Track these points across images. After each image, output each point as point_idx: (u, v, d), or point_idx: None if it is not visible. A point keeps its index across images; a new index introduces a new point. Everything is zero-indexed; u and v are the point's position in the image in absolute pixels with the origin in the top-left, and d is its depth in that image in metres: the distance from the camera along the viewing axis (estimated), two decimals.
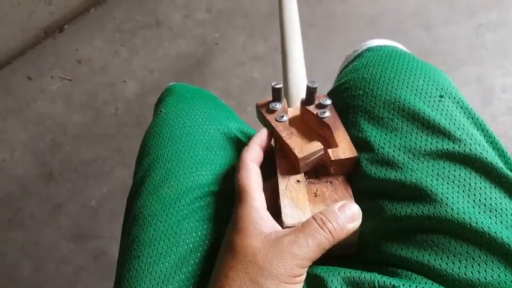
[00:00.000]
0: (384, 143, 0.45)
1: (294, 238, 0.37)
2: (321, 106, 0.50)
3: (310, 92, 0.50)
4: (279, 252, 0.37)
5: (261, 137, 0.50)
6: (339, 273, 0.40)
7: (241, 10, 1.60)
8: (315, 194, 0.44)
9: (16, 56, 1.56)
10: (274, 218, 0.42)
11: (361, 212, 0.41)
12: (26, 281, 1.18)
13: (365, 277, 0.39)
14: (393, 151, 0.44)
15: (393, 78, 0.49)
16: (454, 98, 0.47)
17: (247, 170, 0.45)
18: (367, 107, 0.48)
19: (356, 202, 0.43)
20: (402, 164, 0.43)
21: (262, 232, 0.38)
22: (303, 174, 0.46)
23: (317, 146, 0.45)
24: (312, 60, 1.43)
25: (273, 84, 0.50)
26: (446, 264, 0.38)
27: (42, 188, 1.31)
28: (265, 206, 0.42)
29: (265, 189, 0.45)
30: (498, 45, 1.39)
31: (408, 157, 0.43)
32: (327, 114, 0.49)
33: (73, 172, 1.33)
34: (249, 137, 0.58)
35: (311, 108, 0.51)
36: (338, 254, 0.44)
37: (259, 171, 0.46)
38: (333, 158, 0.44)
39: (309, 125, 0.52)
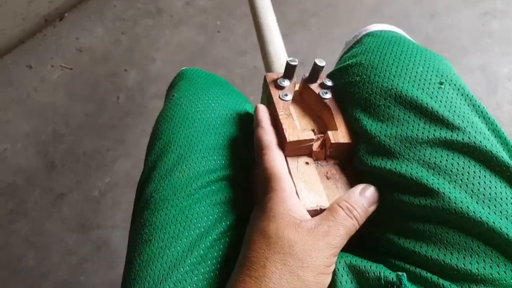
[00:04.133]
0: (380, 132, 0.44)
1: (328, 228, 0.38)
2: (323, 86, 0.49)
3: (317, 70, 0.48)
4: (315, 243, 0.37)
5: (266, 113, 0.49)
6: (344, 261, 0.40)
7: None
8: (327, 176, 0.44)
9: (16, 45, 1.55)
10: None
11: (377, 193, 0.42)
12: (30, 272, 1.18)
13: (370, 266, 0.39)
14: (389, 140, 0.43)
15: (391, 65, 0.48)
16: (455, 85, 0.46)
17: (273, 153, 0.44)
18: (363, 94, 0.47)
19: None
20: (399, 153, 0.42)
21: (296, 221, 0.38)
22: (311, 156, 0.46)
23: (309, 135, 0.44)
24: (315, 50, 1.42)
25: (288, 59, 0.49)
26: (444, 255, 0.38)
27: (44, 178, 1.31)
28: (295, 191, 0.42)
29: None
30: (504, 34, 1.38)
31: (405, 146, 0.42)
32: (329, 95, 0.49)
33: (76, 162, 1.32)
34: None
35: (313, 86, 0.50)
36: None
37: (282, 152, 0.45)
38: (332, 141, 0.44)
39: (307, 103, 0.51)
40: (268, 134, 0.46)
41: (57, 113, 1.42)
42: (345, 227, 0.38)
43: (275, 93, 0.49)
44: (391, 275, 0.37)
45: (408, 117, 0.44)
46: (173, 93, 0.58)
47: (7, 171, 1.33)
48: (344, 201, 0.40)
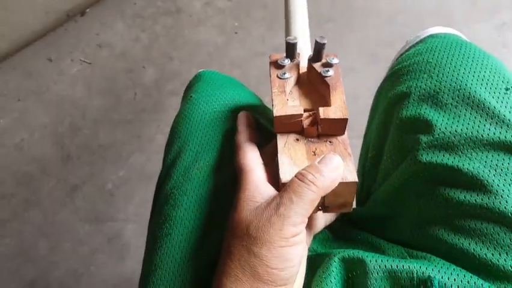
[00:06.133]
0: (445, 128, 0.45)
1: (279, 199, 0.38)
2: (326, 65, 0.48)
3: (318, 48, 0.47)
4: (267, 217, 0.37)
5: (244, 118, 0.50)
6: (381, 260, 0.41)
7: (261, 0, 1.60)
8: (314, 152, 0.43)
9: (38, 38, 1.58)
10: (276, 183, 0.42)
11: (342, 160, 0.40)
12: (41, 260, 1.20)
13: (403, 266, 0.40)
14: (454, 137, 0.44)
15: (460, 65, 0.49)
16: None
17: (242, 150, 0.45)
18: (431, 91, 0.48)
19: (406, 185, 0.44)
20: (462, 151, 0.43)
21: (255, 205, 0.39)
22: (302, 132, 0.45)
23: (297, 110, 0.44)
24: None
25: (287, 38, 0.48)
26: (492, 255, 0.39)
27: (60, 169, 1.33)
28: (265, 178, 0.42)
29: (268, 152, 0.46)
30: None
31: (469, 145, 0.43)
32: (331, 73, 0.47)
33: (91, 155, 1.35)
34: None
35: (317, 66, 0.48)
36: (336, 212, 0.46)
37: (255, 148, 0.46)
38: (322, 117, 0.43)
39: (313, 83, 0.50)
40: (240, 135, 0.47)
41: (75, 106, 1.44)
42: (297, 192, 0.37)
43: (273, 72, 0.49)
44: (424, 275, 0.38)
45: (475, 117, 0.45)
46: (191, 94, 0.60)
47: (23, 160, 1.36)
48: (301, 170, 0.39)
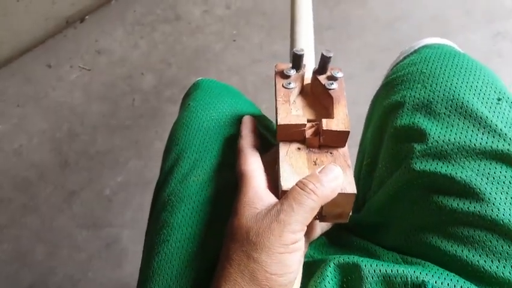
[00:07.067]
0: (439, 137, 0.46)
1: (280, 206, 0.38)
2: (331, 78, 0.49)
3: (324, 61, 0.48)
4: (268, 224, 0.38)
5: (248, 123, 0.51)
6: (376, 265, 0.42)
7: (260, 8, 1.61)
8: (315, 162, 0.44)
9: (37, 44, 1.58)
10: (275, 190, 0.42)
11: (342, 171, 0.41)
12: (38, 266, 1.20)
13: (397, 270, 0.40)
14: (447, 146, 0.45)
15: (453, 76, 0.50)
16: (511, 103, 0.48)
17: (244, 155, 0.46)
18: (424, 101, 0.49)
19: (400, 192, 0.45)
20: (455, 160, 0.44)
21: (255, 211, 0.40)
22: (304, 142, 0.46)
23: (300, 120, 0.45)
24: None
25: (294, 49, 0.49)
26: (485, 261, 0.39)
27: (58, 175, 1.34)
28: (266, 185, 0.43)
29: (268, 159, 0.46)
30: None
31: (461, 154, 0.44)
32: (335, 86, 0.48)
33: (89, 161, 1.35)
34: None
35: (321, 78, 0.49)
36: (332, 222, 0.47)
37: (257, 154, 0.47)
38: (324, 128, 0.44)
39: (316, 95, 0.51)
40: (243, 140, 0.48)
41: (73, 112, 1.45)
42: (297, 200, 0.38)
43: (279, 82, 0.49)
44: (418, 280, 0.39)
45: (468, 127, 0.46)
46: (189, 102, 0.60)
47: (22, 166, 1.36)
48: (302, 179, 0.40)
